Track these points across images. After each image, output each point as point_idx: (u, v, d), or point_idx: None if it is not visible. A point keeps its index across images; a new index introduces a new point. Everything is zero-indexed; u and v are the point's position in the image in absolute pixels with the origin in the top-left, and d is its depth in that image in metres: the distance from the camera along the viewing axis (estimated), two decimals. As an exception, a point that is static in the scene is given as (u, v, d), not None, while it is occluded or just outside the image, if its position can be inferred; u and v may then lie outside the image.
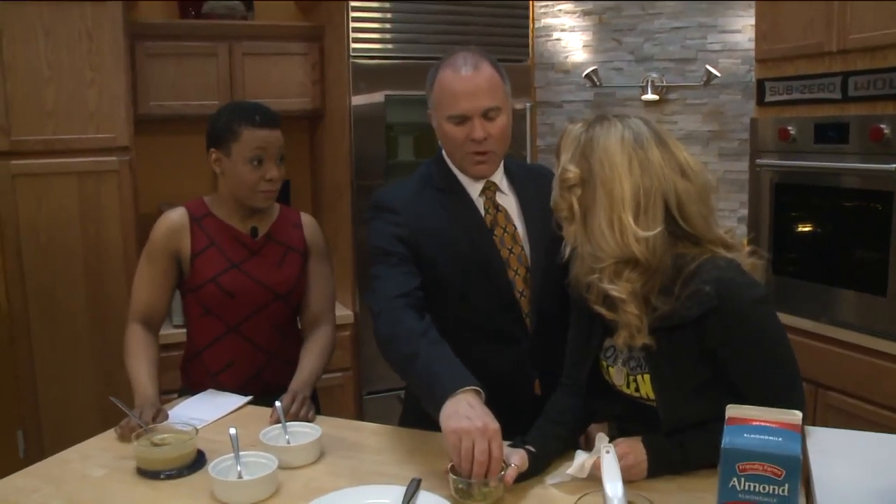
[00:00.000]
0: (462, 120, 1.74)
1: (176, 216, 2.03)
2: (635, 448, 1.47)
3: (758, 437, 1.08)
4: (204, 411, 1.90)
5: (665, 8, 3.75)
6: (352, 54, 3.11)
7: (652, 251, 1.41)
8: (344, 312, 3.18)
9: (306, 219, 2.16)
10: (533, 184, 1.90)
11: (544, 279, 1.81)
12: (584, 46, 3.89)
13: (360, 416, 3.24)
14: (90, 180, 2.88)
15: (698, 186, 1.44)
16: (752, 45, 3.54)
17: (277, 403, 1.76)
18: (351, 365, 3.25)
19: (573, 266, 1.53)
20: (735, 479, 1.07)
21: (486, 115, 1.74)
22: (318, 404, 2.07)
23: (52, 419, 2.85)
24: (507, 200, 1.86)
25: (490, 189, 1.84)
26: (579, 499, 1.28)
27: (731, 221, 3.57)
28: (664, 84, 3.80)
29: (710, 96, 3.75)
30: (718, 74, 3.66)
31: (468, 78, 1.74)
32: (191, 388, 2.08)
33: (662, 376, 1.48)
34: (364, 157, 3.18)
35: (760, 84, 3.17)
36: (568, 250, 1.52)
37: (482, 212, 1.83)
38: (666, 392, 1.48)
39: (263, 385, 2.03)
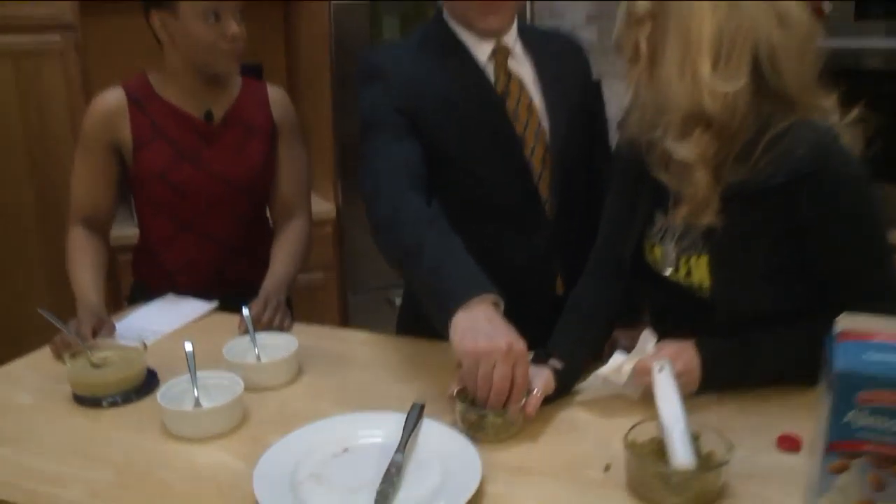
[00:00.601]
0: None
1: (111, 99, 1.69)
2: (685, 353, 1.19)
3: (885, 357, 0.80)
4: (160, 321, 1.61)
5: None
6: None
7: (730, 110, 1.11)
8: (324, 207, 2.87)
9: (274, 93, 1.82)
10: (552, 48, 1.59)
11: (564, 157, 1.52)
12: None
13: (345, 321, 2.97)
14: (29, 62, 2.49)
15: (799, 38, 1.13)
16: None
17: (245, 311, 1.47)
18: (333, 263, 2.95)
19: (630, 120, 1.23)
20: (852, 412, 0.80)
21: None
22: (292, 311, 1.80)
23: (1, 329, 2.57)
24: (522, 67, 1.55)
25: (501, 53, 1.52)
26: (631, 429, 1.01)
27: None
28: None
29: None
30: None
31: None
32: (143, 282, 1.81)
33: (724, 258, 1.20)
34: (344, 37, 2.80)
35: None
36: (628, 99, 1.22)
37: (492, 78, 1.51)
38: (725, 276, 1.21)
39: (228, 285, 1.75)
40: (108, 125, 1.68)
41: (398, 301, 2.84)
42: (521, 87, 1.52)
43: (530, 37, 1.59)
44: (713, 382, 1.19)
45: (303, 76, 3.13)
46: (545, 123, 1.52)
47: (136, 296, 1.80)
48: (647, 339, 1.21)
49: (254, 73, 2.89)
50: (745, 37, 1.10)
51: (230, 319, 1.58)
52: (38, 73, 2.51)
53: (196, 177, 1.69)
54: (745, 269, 1.20)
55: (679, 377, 1.12)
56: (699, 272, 1.24)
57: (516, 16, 1.55)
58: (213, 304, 1.67)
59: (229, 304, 1.65)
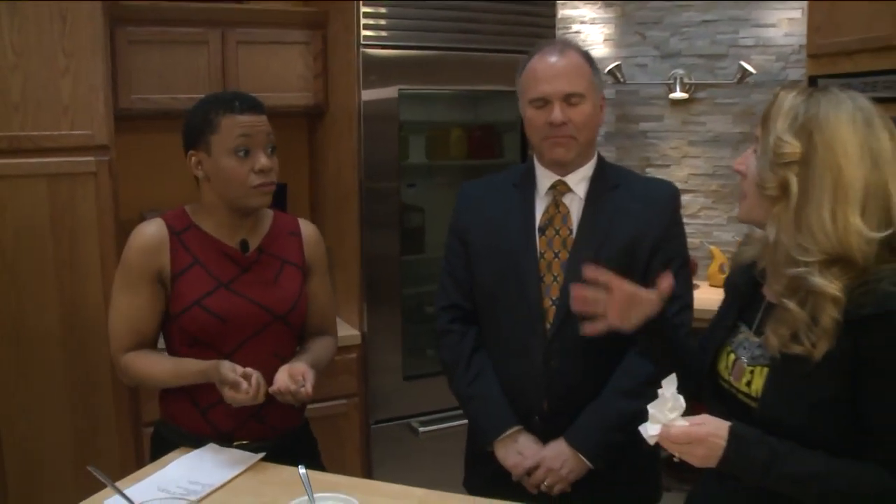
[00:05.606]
0: (543, 103, 1.70)
1: (152, 230, 1.72)
2: (718, 424, 1.23)
3: None
4: (204, 474, 1.55)
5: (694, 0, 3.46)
6: (362, 43, 2.75)
7: (872, 254, 1.19)
8: (350, 332, 2.83)
9: (306, 227, 1.87)
10: (627, 194, 1.75)
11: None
12: (605, 40, 3.59)
13: (367, 447, 2.89)
14: (63, 184, 2.49)
15: None
16: (787, 41, 3.32)
17: (301, 469, 1.43)
18: (357, 391, 2.89)
19: (750, 249, 1.41)
20: None
21: (569, 101, 1.69)
22: (314, 443, 1.89)
23: (18, 461, 2.46)
24: (574, 201, 1.76)
25: (558, 187, 1.76)
26: None
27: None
28: (692, 82, 3.50)
29: (741, 95, 3.45)
30: (753, 71, 3.36)
31: (552, 63, 1.71)
32: (170, 420, 1.76)
33: (783, 373, 1.25)
34: (374, 158, 2.82)
35: (812, 81, 2.87)
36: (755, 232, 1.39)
37: (541, 209, 1.76)
38: (778, 392, 1.27)
39: (267, 428, 1.72)
40: (151, 256, 1.70)
41: (421, 429, 2.86)
42: (565, 220, 1.74)
43: (611, 179, 1.76)
44: (733, 464, 1.22)
45: (329, 198, 3.14)
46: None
47: (163, 435, 1.76)
48: (669, 384, 1.23)
49: (278, 192, 2.89)
50: (884, 190, 1.20)
51: (279, 472, 1.53)
52: (72, 194, 2.51)
53: (233, 302, 1.69)
54: (798, 392, 1.23)
55: (704, 441, 1.21)
56: (756, 383, 1.31)
57: (592, 154, 1.78)
58: (259, 456, 1.62)
59: (273, 454, 1.61)
